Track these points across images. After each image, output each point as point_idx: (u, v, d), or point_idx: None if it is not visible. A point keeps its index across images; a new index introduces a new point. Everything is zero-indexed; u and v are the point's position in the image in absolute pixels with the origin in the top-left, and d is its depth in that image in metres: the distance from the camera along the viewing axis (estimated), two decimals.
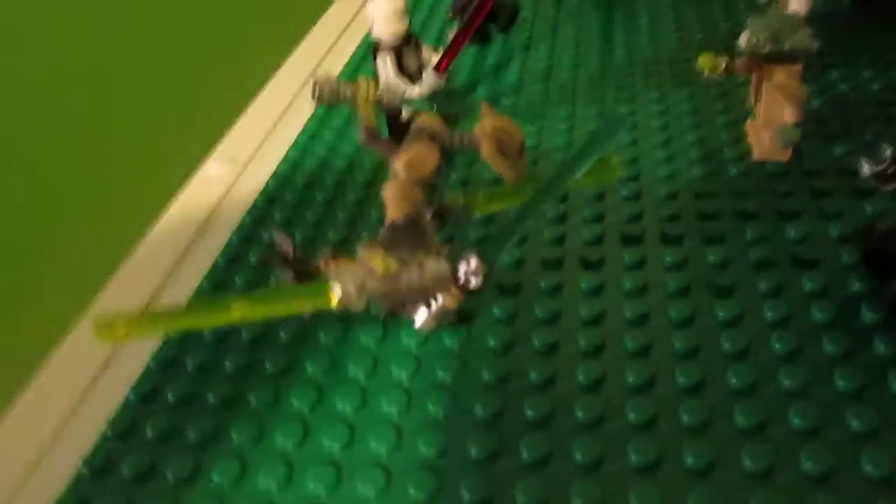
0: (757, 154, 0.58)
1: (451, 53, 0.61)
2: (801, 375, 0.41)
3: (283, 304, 0.34)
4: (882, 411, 0.38)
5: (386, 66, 0.62)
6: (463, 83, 0.78)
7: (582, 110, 0.69)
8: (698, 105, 0.66)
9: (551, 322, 0.47)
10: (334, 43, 0.94)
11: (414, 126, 0.43)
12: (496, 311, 0.48)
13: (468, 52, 0.83)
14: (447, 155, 0.41)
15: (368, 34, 0.71)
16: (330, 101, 0.48)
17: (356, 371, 0.45)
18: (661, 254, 0.50)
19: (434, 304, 0.42)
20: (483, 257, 0.40)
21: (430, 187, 0.41)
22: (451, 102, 0.62)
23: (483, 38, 0.85)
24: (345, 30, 0.97)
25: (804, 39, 0.53)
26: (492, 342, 0.46)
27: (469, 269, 0.40)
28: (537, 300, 0.48)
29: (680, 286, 0.48)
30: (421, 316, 0.42)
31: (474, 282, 0.40)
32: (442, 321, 0.43)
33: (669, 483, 0.37)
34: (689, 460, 0.37)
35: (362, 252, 0.37)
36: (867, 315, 0.44)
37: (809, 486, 0.36)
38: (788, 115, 0.55)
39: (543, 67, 0.77)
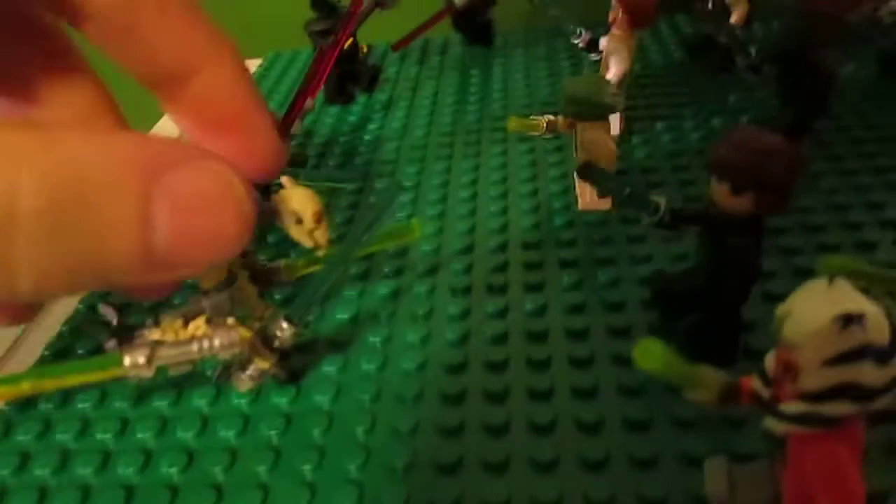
0: (581, 204, 0.63)
1: (289, 119, 0.64)
2: (597, 409, 0.44)
3: (74, 376, 0.35)
4: (661, 440, 0.42)
5: None
6: (324, 142, 0.81)
7: (431, 166, 0.72)
8: (536, 158, 0.71)
9: (378, 373, 0.49)
10: None
11: None
12: (326, 367, 0.50)
13: (330, 112, 0.86)
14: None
15: None
16: None
17: (185, 433, 0.47)
18: (485, 304, 0.54)
19: (251, 367, 0.44)
20: (291, 320, 0.42)
21: (241, 255, 0.43)
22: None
23: (346, 99, 0.88)
24: None
25: (611, 100, 0.58)
26: (318, 398, 0.48)
27: (278, 331, 0.42)
28: (364, 354, 0.51)
29: (497, 333, 0.51)
30: (239, 378, 0.44)
31: (284, 343, 0.43)
32: (261, 381, 0.45)
33: None
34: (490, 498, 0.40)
35: (164, 322, 0.39)
36: None
37: None
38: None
39: (400, 126, 0.81)
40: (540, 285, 0.55)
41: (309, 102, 0.68)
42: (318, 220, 0.42)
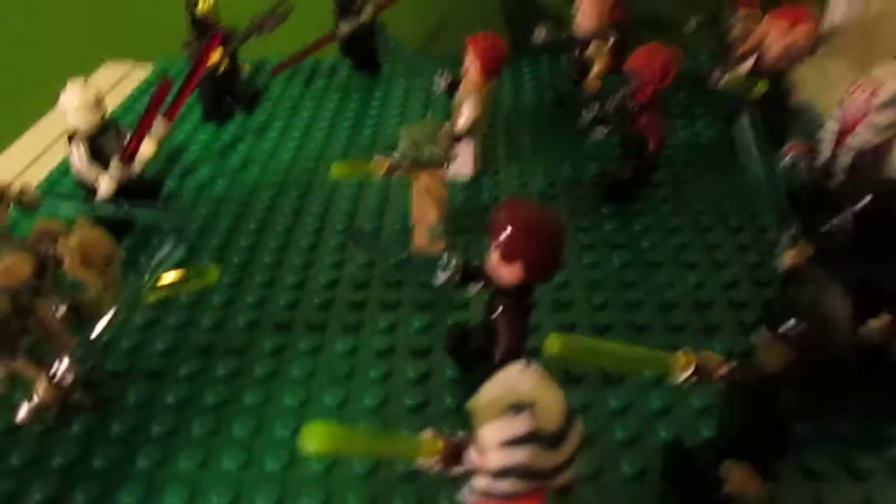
0: (416, 244, 0.65)
1: (135, 141, 0.65)
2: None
3: None
4: None
5: (77, 155, 0.65)
6: (193, 160, 0.82)
7: (287, 193, 0.74)
8: (390, 194, 0.73)
9: (179, 408, 0.51)
10: None
11: (35, 228, 0.47)
12: (130, 397, 0.51)
13: (205, 129, 0.87)
14: (43, 262, 0.44)
15: None
16: None
17: None
18: (300, 341, 0.56)
19: (34, 398, 0.45)
20: (76, 358, 0.44)
21: (31, 292, 0.44)
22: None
23: (222, 118, 0.89)
24: None
25: (440, 150, 0.60)
26: (116, 428, 0.49)
27: (61, 367, 0.44)
28: (172, 385, 0.52)
29: (306, 371, 0.53)
30: (20, 411, 0.45)
31: (68, 379, 0.44)
32: (45, 415, 0.46)
33: None
34: None
35: None
36: (451, 401, 0.51)
37: None
38: (433, 213, 0.63)
39: (269, 149, 0.82)
40: (357, 325, 0.57)
41: (162, 125, 0.68)
42: (106, 263, 0.43)
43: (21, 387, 0.47)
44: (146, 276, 0.44)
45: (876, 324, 0.47)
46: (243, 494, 0.45)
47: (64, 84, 1.05)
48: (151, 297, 0.45)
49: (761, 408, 0.38)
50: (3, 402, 0.49)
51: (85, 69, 1.08)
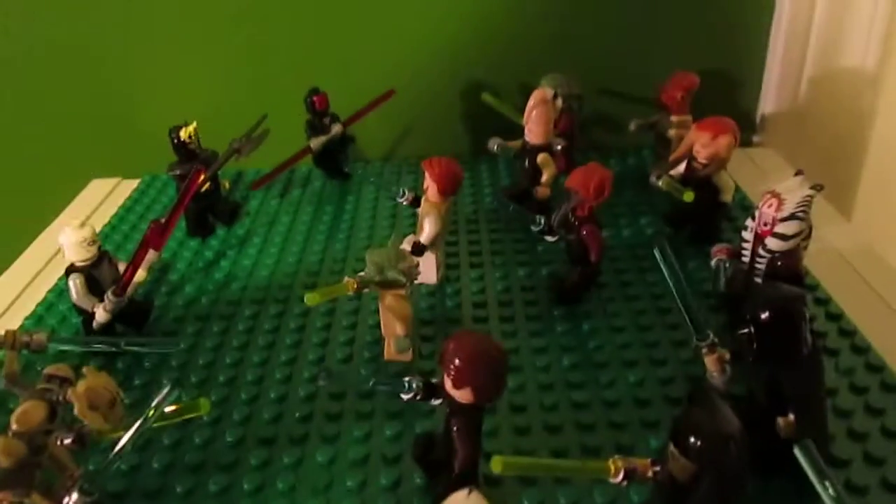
0: (386, 355, 0.72)
1: (129, 275, 0.72)
2: None
3: None
4: None
5: (75, 288, 0.72)
6: (179, 277, 0.88)
7: (267, 310, 0.81)
8: (359, 307, 0.80)
9: None
10: None
11: (44, 373, 0.53)
12: None
13: (189, 246, 0.95)
14: (54, 407, 0.51)
15: None
16: None
17: None
18: (284, 454, 0.62)
19: None
20: (83, 490, 0.50)
21: (44, 433, 0.50)
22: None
23: (205, 233, 0.97)
24: None
25: (401, 273, 0.68)
26: None
27: (71, 500, 0.49)
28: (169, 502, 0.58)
29: (290, 485, 0.59)
30: None
31: None
32: None
33: None
34: None
35: None
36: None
37: None
38: (398, 328, 0.70)
39: (249, 264, 0.90)
40: (335, 436, 0.64)
41: (152, 255, 0.76)
42: (111, 406, 0.50)
43: None
44: (147, 414, 0.50)
45: (782, 422, 0.54)
46: None
47: (56, 200, 1.13)
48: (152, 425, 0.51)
49: None
50: None
51: (75, 186, 1.16)
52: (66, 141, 1.18)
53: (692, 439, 0.42)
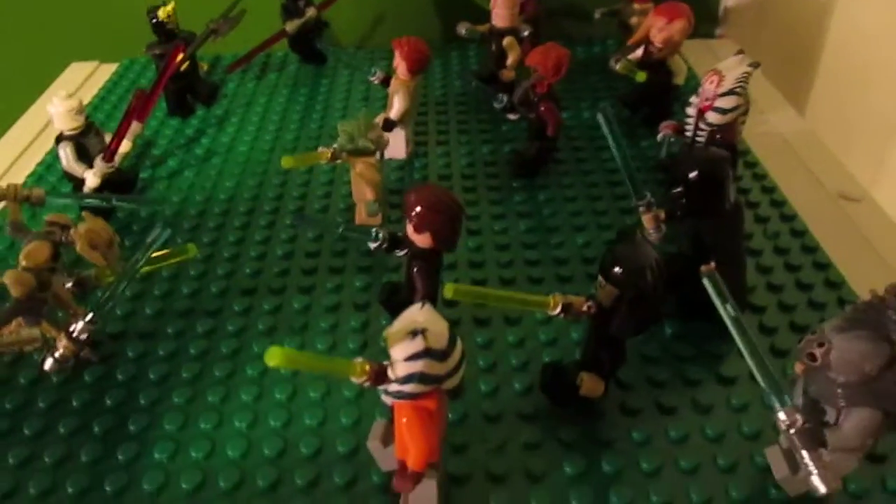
0: (357, 219, 0.78)
1: (115, 143, 0.77)
2: None
3: None
4: None
5: (65, 155, 0.76)
6: (162, 152, 0.93)
7: (246, 181, 0.86)
8: (335, 178, 0.86)
9: (169, 359, 0.64)
10: None
11: (47, 220, 0.59)
12: (129, 352, 0.64)
13: (170, 124, 0.99)
14: (56, 247, 0.57)
15: None
16: None
17: None
18: (264, 302, 0.69)
19: (56, 353, 0.58)
20: (88, 321, 0.56)
21: (49, 271, 0.56)
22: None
23: (185, 112, 1.01)
24: None
25: (371, 141, 0.73)
26: (120, 376, 0.62)
27: (78, 326, 0.56)
28: (162, 341, 0.65)
29: (269, 326, 0.66)
30: (47, 362, 0.57)
31: (83, 336, 0.56)
32: (66, 364, 0.59)
33: None
34: None
35: None
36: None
37: None
38: (368, 193, 0.76)
39: (228, 141, 0.94)
40: (310, 287, 0.71)
41: (136, 127, 0.80)
42: (108, 246, 0.56)
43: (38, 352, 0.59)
44: (139, 255, 0.56)
45: (704, 269, 0.61)
46: (224, 419, 0.58)
47: (33, 86, 1.15)
48: (144, 270, 0.57)
49: (601, 333, 0.53)
50: (29, 361, 0.62)
51: (54, 69, 1.18)
52: (43, 24, 1.19)
53: (615, 268, 0.49)
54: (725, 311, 0.50)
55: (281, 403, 0.59)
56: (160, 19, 0.95)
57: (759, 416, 0.56)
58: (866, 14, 0.99)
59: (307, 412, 0.58)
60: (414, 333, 0.44)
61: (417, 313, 0.46)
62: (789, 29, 1.15)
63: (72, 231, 0.55)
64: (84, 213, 0.58)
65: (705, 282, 0.51)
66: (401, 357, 0.44)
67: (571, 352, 0.63)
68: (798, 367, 0.47)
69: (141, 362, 0.63)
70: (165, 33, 0.96)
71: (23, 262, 0.55)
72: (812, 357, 0.45)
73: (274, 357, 0.42)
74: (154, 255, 0.58)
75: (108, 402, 0.59)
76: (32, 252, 0.55)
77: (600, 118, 0.62)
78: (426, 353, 0.44)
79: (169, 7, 0.95)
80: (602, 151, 0.89)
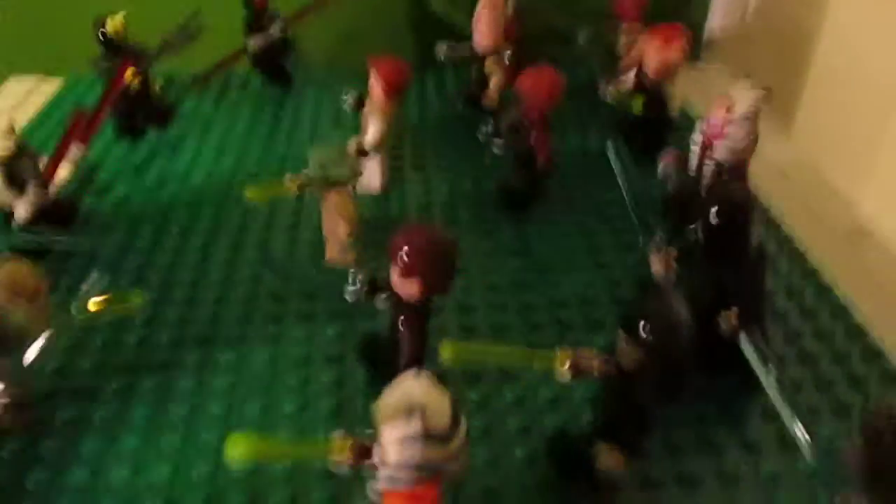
0: (328, 256, 0.70)
1: (52, 167, 0.67)
2: None
3: None
4: None
5: None
6: (109, 177, 0.84)
7: (203, 213, 0.77)
8: (301, 208, 0.77)
9: (108, 425, 0.54)
10: None
11: None
12: (59, 417, 0.55)
13: (119, 147, 0.89)
14: None
15: None
16: None
17: None
18: (222, 354, 0.60)
19: None
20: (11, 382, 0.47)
21: None
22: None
23: (135, 135, 0.91)
24: None
25: (345, 171, 0.65)
26: (46, 447, 0.52)
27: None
28: (100, 403, 0.56)
29: (229, 383, 0.57)
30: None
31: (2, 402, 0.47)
32: None
33: None
34: None
35: None
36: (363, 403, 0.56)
37: None
38: (342, 228, 0.68)
39: (183, 169, 0.85)
40: (276, 337, 0.62)
41: (78, 150, 0.71)
42: (34, 294, 0.47)
43: None
44: (76, 303, 0.47)
45: (725, 316, 0.55)
46: (174, 499, 0.49)
47: None
48: (81, 319, 0.48)
49: (623, 399, 0.45)
50: None
51: None
52: None
53: (643, 323, 0.42)
54: (766, 375, 0.43)
55: (241, 480, 0.50)
56: (108, 34, 0.86)
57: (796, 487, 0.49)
58: (856, 39, 0.95)
59: (271, 491, 0.49)
60: (410, 411, 0.36)
61: (413, 385, 0.38)
62: (776, 53, 1.10)
63: None
64: (7, 254, 0.48)
65: (742, 339, 0.44)
66: (394, 439, 0.36)
67: (576, 414, 0.55)
68: None
69: (71, 430, 0.54)
70: (114, 48, 0.86)
71: None
72: None
73: (239, 448, 0.33)
74: (91, 304, 0.49)
75: (28, 485, 0.50)
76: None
77: (610, 152, 0.55)
78: (424, 436, 0.36)
79: (118, 19, 0.86)
80: (594, 182, 0.82)
